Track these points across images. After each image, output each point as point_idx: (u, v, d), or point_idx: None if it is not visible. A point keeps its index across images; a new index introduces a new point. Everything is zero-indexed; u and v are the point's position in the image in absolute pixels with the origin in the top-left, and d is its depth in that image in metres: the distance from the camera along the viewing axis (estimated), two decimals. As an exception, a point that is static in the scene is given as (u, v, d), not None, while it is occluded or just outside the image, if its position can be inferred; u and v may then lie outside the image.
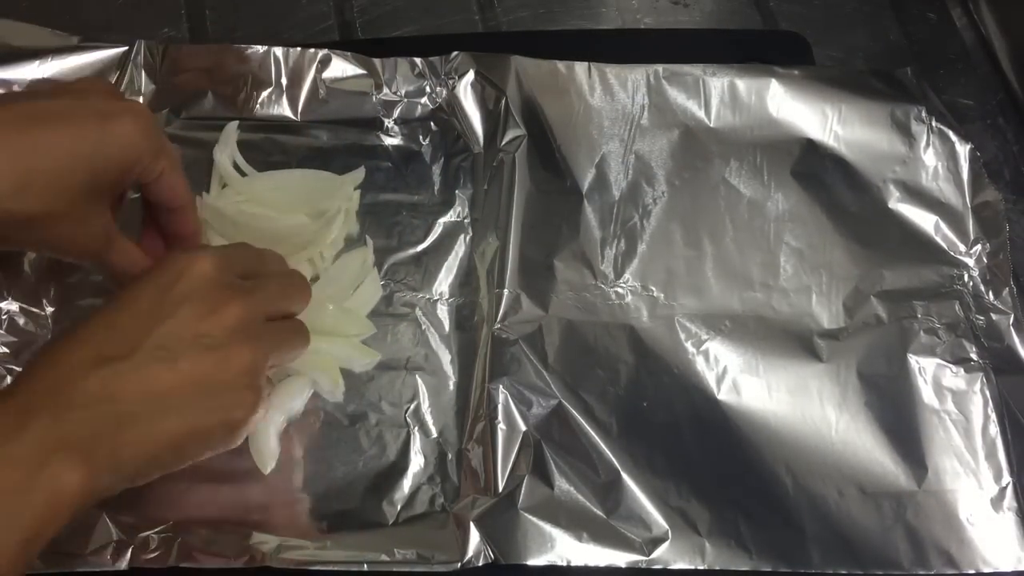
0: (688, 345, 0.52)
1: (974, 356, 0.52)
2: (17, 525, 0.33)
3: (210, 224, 0.53)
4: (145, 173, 0.43)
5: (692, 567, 0.46)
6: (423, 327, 0.53)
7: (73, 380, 0.36)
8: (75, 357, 0.37)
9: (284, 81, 0.58)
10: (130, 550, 0.45)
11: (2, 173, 0.38)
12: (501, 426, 0.49)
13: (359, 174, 0.57)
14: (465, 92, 0.59)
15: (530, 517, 0.47)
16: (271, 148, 0.57)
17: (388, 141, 0.59)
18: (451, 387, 0.52)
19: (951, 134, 0.58)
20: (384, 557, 0.46)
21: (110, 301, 0.40)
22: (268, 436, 0.47)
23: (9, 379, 0.50)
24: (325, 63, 0.59)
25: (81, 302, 0.53)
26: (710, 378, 0.51)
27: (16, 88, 0.57)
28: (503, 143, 0.58)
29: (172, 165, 0.44)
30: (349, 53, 0.59)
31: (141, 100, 0.58)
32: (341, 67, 0.59)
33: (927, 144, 0.58)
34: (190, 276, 0.40)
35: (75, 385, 0.36)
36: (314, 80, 0.58)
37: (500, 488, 0.48)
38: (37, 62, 0.57)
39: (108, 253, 0.44)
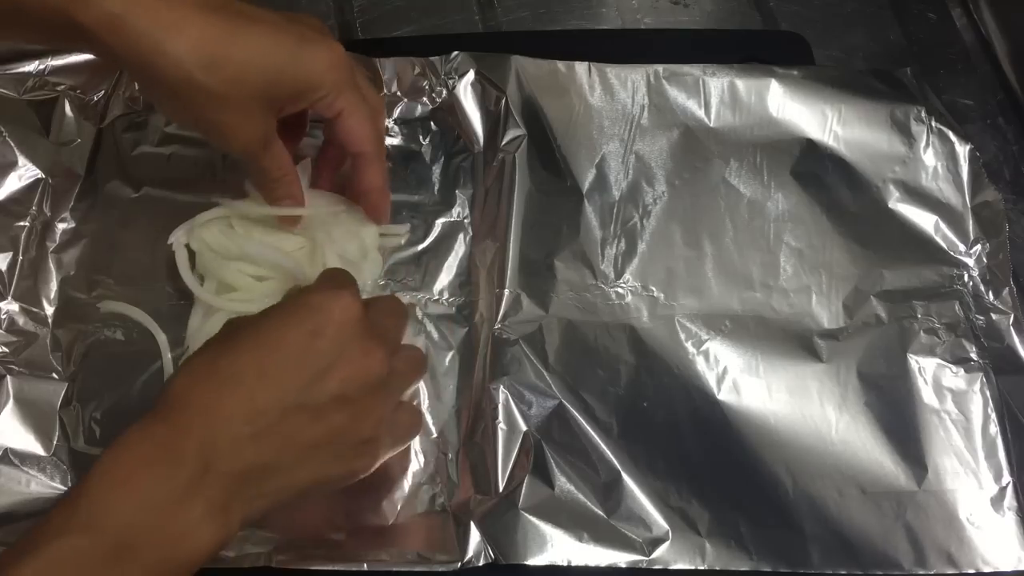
0: (688, 345, 0.52)
1: (974, 356, 0.52)
2: None
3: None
4: (324, 106, 0.46)
5: (692, 567, 0.46)
6: (423, 327, 0.53)
7: (226, 437, 0.36)
8: (227, 406, 0.36)
9: (284, 81, 0.58)
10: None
11: (199, 45, 0.41)
12: (501, 426, 0.49)
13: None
14: (465, 92, 0.59)
15: (530, 517, 0.47)
16: (271, 148, 0.57)
17: (388, 141, 0.59)
18: (451, 387, 0.52)
19: (951, 134, 0.58)
20: (384, 557, 0.46)
21: (253, 325, 0.39)
22: None
23: (9, 378, 0.50)
24: (325, 63, 0.58)
25: (82, 302, 0.53)
26: (710, 378, 0.51)
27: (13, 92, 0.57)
28: (503, 143, 0.58)
29: (356, 109, 0.47)
30: (349, 53, 0.59)
31: (141, 100, 0.59)
32: (341, 67, 0.59)
33: (927, 144, 0.58)
34: (338, 323, 0.39)
35: (228, 445, 0.36)
36: (314, 80, 0.58)
37: (500, 488, 0.48)
38: (37, 62, 0.58)
39: (263, 155, 0.46)
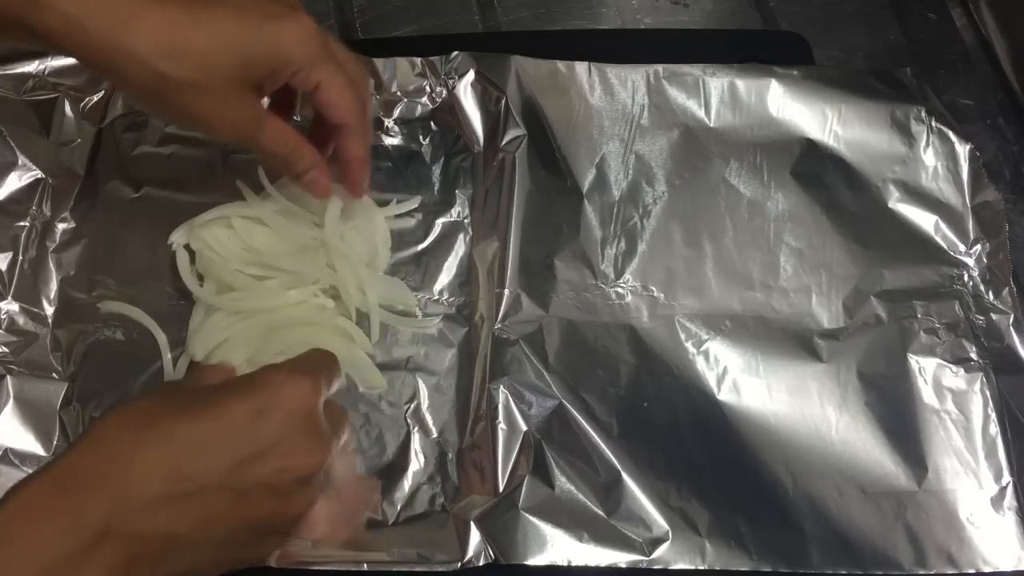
0: (688, 345, 0.52)
1: (974, 356, 0.52)
2: None
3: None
4: (300, 80, 0.44)
5: (692, 567, 0.46)
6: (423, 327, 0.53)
7: (140, 496, 0.34)
8: (150, 464, 0.34)
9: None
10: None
11: (160, 36, 0.40)
12: (501, 426, 0.49)
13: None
14: (465, 92, 0.59)
15: (530, 517, 0.47)
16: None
17: (388, 141, 0.59)
18: (451, 387, 0.52)
19: (951, 134, 0.58)
20: (384, 557, 0.46)
21: (206, 390, 0.38)
22: None
23: (9, 378, 0.50)
24: (325, 63, 0.58)
25: (82, 302, 0.53)
26: (710, 378, 0.51)
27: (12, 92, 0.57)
28: (503, 143, 0.58)
29: (333, 80, 0.45)
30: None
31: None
32: (341, 67, 0.59)
33: (927, 144, 0.58)
34: (288, 410, 0.38)
35: (140, 505, 0.34)
36: (314, 80, 0.58)
37: (500, 488, 0.48)
38: (37, 62, 0.58)
39: (258, 134, 0.45)
